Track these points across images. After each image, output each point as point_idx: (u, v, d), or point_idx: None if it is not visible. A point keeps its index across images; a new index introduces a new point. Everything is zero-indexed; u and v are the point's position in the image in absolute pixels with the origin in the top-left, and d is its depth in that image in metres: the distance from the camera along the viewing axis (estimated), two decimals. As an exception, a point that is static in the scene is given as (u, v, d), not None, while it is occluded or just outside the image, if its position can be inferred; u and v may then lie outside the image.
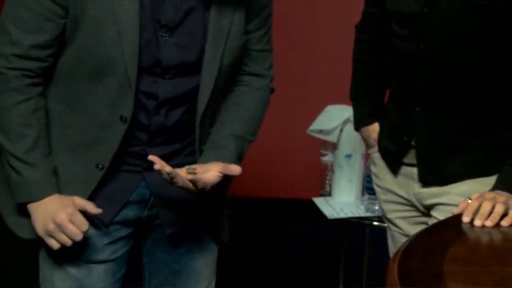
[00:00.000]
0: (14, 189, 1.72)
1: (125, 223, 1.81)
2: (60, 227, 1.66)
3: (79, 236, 1.68)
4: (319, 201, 2.86)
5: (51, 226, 1.67)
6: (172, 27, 1.71)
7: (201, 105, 1.78)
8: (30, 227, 1.74)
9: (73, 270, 1.79)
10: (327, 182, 2.93)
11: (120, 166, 1.79)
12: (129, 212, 1.81)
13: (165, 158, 1.76)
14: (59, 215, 1.67)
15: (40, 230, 1.69)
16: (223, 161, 1.74)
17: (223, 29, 1.74)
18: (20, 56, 1.67)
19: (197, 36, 1.75)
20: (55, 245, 1.69)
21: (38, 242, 1.78)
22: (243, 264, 3.64)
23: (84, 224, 1.69)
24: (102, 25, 1.67)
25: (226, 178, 1.72)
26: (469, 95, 1.79)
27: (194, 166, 1.72)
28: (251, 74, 1.90)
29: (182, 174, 1.68)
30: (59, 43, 1.71)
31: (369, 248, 2.80)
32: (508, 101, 1.79)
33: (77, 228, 1.69)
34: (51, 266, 1.80)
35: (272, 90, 1.91)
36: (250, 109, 1.88)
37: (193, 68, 1.76)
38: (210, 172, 1.71)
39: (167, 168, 1.64)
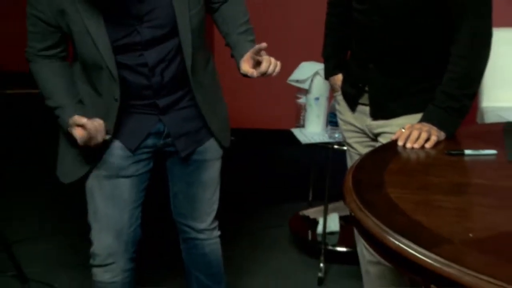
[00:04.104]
0: (64, 128, 1.89)
1: (145, 148, 2.00)
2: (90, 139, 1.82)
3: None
4: (296, 131, 3.02)
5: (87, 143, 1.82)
6: (142, 15, 1.81)
7: (188, 60, 1.88)
8: (70, 174, 1.98)
9: (106, 182, 2.00)
10: (301, 117, 3.06)
11: (138, 111, 1.93)
12: (148, 141, 1.99)
13: (172, 104, 1.94)
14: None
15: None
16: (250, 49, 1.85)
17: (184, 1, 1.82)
18: (35, 54, 1.89)
19: (162, 12, 1.82)
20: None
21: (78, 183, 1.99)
22: (237, 180, 3.87)
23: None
24: (82, 37, 1.79)
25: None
26: (411, 55, 1.89)
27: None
28: None
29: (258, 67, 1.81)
30: (66, 44, 1.88)
31: (331, 165, 2.92)
32: (437, 59, 1.88)
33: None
34: (91, 180, 2.02)
35: None
36: (238, 11, 2.00)
37: (167, 35, 1.85)
38: (248, 62, 1.84)
39: (255, 74, 1.79)
